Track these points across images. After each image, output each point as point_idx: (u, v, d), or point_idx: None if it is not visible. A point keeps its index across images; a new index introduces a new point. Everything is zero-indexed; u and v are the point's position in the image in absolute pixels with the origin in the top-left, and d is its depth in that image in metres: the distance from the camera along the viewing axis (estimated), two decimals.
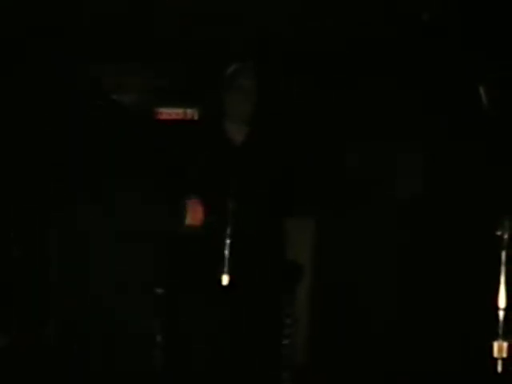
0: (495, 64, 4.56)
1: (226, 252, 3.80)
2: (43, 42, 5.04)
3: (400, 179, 5.12)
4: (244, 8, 4.88)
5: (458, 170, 4.73)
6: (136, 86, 4.62)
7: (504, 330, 3.15)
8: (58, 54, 4.97)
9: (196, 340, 3.97)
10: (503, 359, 3.15)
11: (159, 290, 4.01)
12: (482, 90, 4.49)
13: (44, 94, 4.70)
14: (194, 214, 3.72)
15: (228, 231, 3.84)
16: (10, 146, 4.71)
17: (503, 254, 3.19)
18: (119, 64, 4.75)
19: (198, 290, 3.97)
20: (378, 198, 5.15)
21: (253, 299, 3.94)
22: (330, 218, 5.29)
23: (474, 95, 4.53)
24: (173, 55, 5.21)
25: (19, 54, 5.17)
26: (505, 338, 3.15)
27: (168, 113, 5.20)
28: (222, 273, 3.79)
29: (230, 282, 3.78)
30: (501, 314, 3.16)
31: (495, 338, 3.16)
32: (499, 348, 3.14)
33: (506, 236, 3.20)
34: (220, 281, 3.81)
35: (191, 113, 4.97)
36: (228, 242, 3.81)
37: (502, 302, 3.17)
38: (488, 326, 3.20)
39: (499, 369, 3.15)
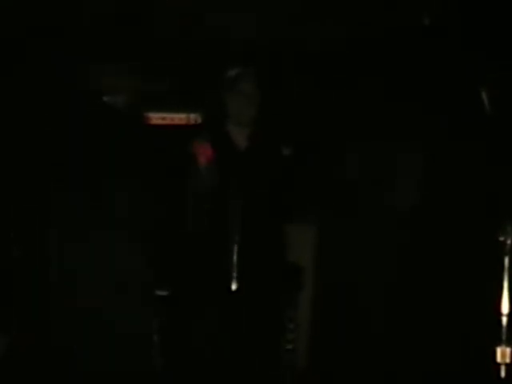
0: (495, 64, 4.56)
1: (235, 258, 3.84)
2: (43, 41, 5.02)
3: (400, 180, 5.11)
4: (244, 9, 4.87)
5: (460, 174, 4.73)
6: (129, 89, 4.63)
7: (507, 335, 3.17)
8: (58, 54, 4.96)
9: (196, 342, 3.96)
10: (506, 364, 3.16)
11: (162, 292, 4.01)
12: (482, 91, 4.49)
13: (43, 93, 4.69)
14: (203, 154, 3.91)
15: (233, 235, 3.87)
16: (9, 146, 4.70)
17: (506, 260, 3.20)
18: (118, 65, 4.75)
19: (200, 293, 3.97)
20: (378, 200, 5.15)
21: (255, 302, 3.94)
22: (331, 221, 5.29)
23: (475, 96, 4.53)
24: (173, 57, 5.19)
25: (18, 53, 5.15)
26: (508, 344, 3.16)
27: (171, 118, 5.20)
28: (227, 277, 3.83)
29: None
30: (504, 319, 3.18)
31: (498, 343, 3.17)
32: (502, 353, 3.16)
33: (508, 241, 3.20)
34: (224, 284, 3.84)
35: (194, 118, 4.95)
36: (234, 246, 3.86)
37: (505, 307, 3.18)
38: (491, 332, 3.21)
39: (502, 374, 3.16)
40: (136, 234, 4.21)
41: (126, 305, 4.48)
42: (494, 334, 3.19)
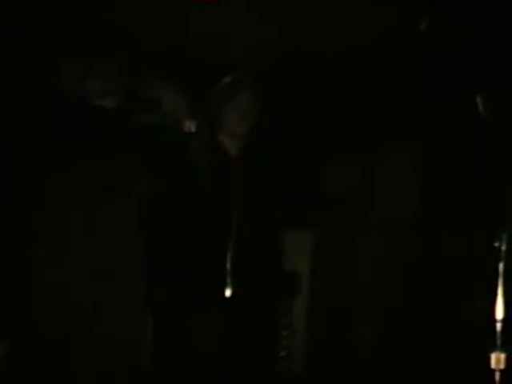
0: (493, 67, 4.56)
1: (229, 265, 3.83)
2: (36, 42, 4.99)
3: (395, 188, 5.11)
4: (242, 16, 4.86)
5: (455, 179, 4.73)
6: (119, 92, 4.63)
7: (502, 341, 3.16)
8: (47, 54, 4.90)
9: (190, 347, 3.95)
10: (501, 371, 3.15)
11: (159, 294, 4.00)
12: (478, 96, 4.49)
13: (29, 94, 4.67)
14: None
15: (228, 242, 3.87)
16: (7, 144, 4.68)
17: (501, 266, 3.20)
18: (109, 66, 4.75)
19: (194, 299, 3.96)
20: (373, 208, 5.15)
21: (249, 309, 3.93)
22: (328, 229, 5.29)
23: (472, 99, 4.52)
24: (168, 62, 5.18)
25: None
26: (502, 350, 3.15)
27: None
28: (222, 283, 3.83)
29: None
30: (498, 325, 3.17)
31: (493, 349, 3.17)
32: (497, 360, 3.15)
33: (503, 248, 3.20)
34: (219, 291, 3.84)
35: (188, 124, 4.93)
36: (229, 253, 3.85)
37: (499, 313, 3.18)
38: (486, 338, 3.20)
39: (497, 380, 3.15)
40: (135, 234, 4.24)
41: (120, 304, 4.50)
42: (489, 340, 3.18)
